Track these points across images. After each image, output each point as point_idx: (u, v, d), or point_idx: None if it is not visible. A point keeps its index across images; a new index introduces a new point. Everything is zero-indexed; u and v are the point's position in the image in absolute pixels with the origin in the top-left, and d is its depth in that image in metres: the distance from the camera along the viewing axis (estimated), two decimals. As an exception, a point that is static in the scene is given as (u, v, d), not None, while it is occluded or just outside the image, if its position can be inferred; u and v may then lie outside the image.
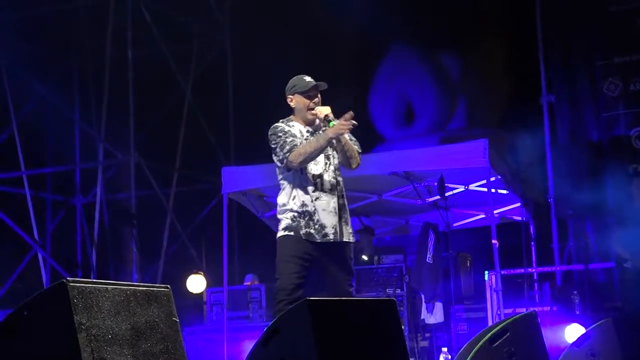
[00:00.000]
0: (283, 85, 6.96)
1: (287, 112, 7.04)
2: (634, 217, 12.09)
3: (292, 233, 6.63)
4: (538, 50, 15.03)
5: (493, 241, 10.45)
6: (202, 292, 14.07)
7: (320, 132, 6.75)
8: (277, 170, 6.85)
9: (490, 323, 10.23)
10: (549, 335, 9.39)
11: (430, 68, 19.85)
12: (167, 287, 4.39)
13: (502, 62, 19.25)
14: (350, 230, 6.80)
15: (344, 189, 6.85)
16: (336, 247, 6.66)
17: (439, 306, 11.40)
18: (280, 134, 6.70)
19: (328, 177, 6.72)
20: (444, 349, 10.90)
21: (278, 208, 6.83)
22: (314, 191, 6.65)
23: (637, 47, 14.06)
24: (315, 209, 6.60)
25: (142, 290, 4.21)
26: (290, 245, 6.62)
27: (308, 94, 6.78)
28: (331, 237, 6.61)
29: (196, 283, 14.08)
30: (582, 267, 12.10)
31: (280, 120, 6.87)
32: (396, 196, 12.98)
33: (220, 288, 12.68)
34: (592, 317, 9.91)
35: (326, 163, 6.76)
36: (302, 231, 6.61)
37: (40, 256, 16.64)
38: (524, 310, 10.15)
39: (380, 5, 17.32)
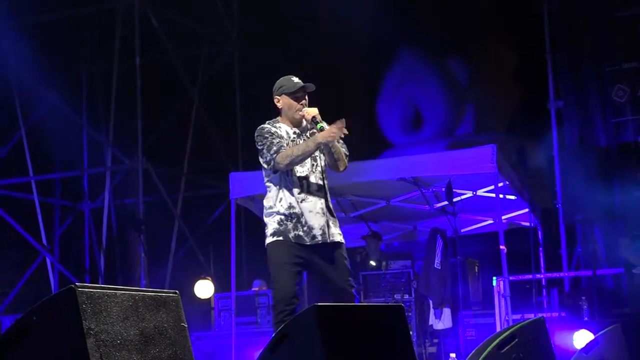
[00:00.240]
0: None
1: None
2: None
3: (281, 238, 6.54)
4: (546, 55, 15.01)
5: (501, 247, 10.44)
6: (210, 298, 14.06)
7: (308, 134, 6.68)
8: (264, 173, 6.75)
9: (498, 329, 10.21)
10: (557, 342, 9.40)
11: (438, 74, 19.87)
12: (176, 293, 4.39)
13: (510, 68, 19.27)
14: (339, 231, 6.70)
15: (328, 191, 6.76)
16: (327, 248, 6.59)
17: (447, 312, 11.38)
18: (266, 135, 6.61)
19: (314, 179, 6.64)
20: (452, 355, 10.91)
21: (265, 211, 6.74)
22: (300, 193, 6.57)
23: (645, 53, 14.06)
24: (302, 211, 6.53)
25: (150, 295, 4.21)
26: (281, 252, 6.53)
27: (295, 95, 6.67)
28: (319, 238, 6.53)
29: (204, 288, 14.07)
30: (590, 273, 12.08)
31: (267, 122, 6.77)
32: (404, 202, 12.99)
33: (228, 293, 12.68)
34: (601, 323, 9.88)
35: (313, 165, 6.68)
36: (291, 234, 6.53)
37: (48, 261, 16.67)
38: (532, 316, 10.12)
39: (389, 12, 17.34)
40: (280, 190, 6.63)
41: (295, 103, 6.67)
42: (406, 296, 11.77)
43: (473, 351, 5.65)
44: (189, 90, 16.84)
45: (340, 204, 13.06)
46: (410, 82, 20.07)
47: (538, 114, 15.49)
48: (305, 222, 6.52)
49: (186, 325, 4.34)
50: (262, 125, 6.73)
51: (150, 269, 15.49)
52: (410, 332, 5.86)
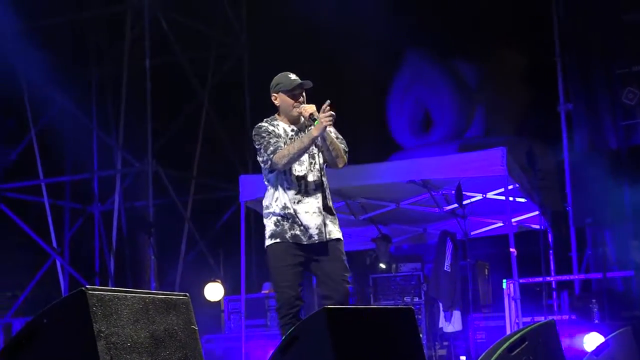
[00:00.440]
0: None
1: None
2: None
3: (278, 240, 6.47)
4: (556, 58, 15.00)
5: (511, 249, 10.42)
6: (219, 300, 14.07)
7: (306, 131, 6.54)
8: (263, 172, 6.69)
9: (508, 332, 10.20)
10: (567, 344, 9.38)
11: (448, 76, 19.86)
12: (186, 295, 4.39)
13: (520, 70, 19.26)
14: (337, 229, 6.58)
15: (328, 189, 6.65)
16: (323, 246, 6.48)
17: (457, 314, 11.37)
18: (263, 135, 6.54)
19: (312, 177, 6.54)
20: (462, 358, 10.91)
21: (263, 211, 6.67)
22: (296, 193, 6.47)
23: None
24: (297, 212, 6.44)
25: (161, 298, 4.21)
26: (279, 254, 6.46)
27: (292, 92, 6.55)
28: (316, 237, 6.44)
29: (214, 291, 14.08)
30: (600, 276, 12.05)
31: (265, 120, 6.70)
32: (414, 204, 12.98)
33: (238, 296, 12.68)
34: (611, 325, 9.87)
35: (311, 163, 6.57)
36: (288, 234, 6.45)
37: (58, 264, 16.70)
38: (542, 318, 10.12)
39: (398, 14, 17.34)
40: (276, 190, 6.56)
41: (292, 101, 6.56)
42: (416, 299, 11.76)
43: (483, 354, 5.64)
44: (198, 92, 16.87)
45: (349, 206, 13.07)
46: (420, 85, 20.07)
47: (548, 117, 15.48)
48: (301, 223, 6.43)
49: (196, 328, 4.34)
50: (259, 124, 6.67)
51: (160, 272, 15.51)
52: (420, 335, 5.85)
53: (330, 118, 6.26)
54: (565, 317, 11.91)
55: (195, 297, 13.32)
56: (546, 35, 15.31)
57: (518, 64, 19.43)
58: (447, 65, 19.91)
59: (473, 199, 12.43)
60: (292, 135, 6.57)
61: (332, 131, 6.55)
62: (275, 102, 6.66)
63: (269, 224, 6.55)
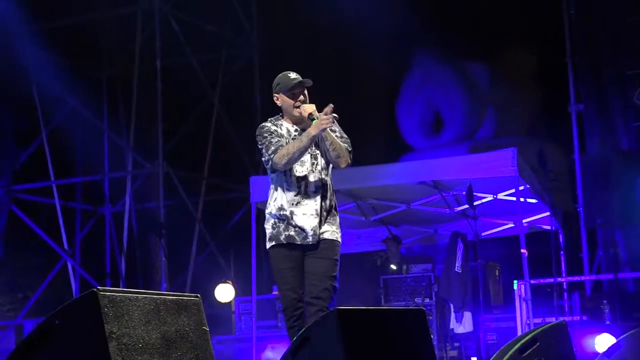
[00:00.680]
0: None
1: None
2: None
3: (274, 243, 6.43)
4: (567, 58, 14.97)
5: (522, 250, 10.41)
6: (230, 302, 14.07)
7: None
8: (268, 172, 6.63)
9: (519, 333, 10.20)
10: (579, 346, 9.37)
11: (458, 77, 19.83)
12: (197, 296, 4.40)
13: (531, 71, 19.23)
14: (334, 229, 6.47)
15: (330, 189, 6.54)
16: (315, 246, 6.39)
17: (467, 315, 11.36)
18: (265, 135, 6.45)
19: (314, 178, 6.43)
20: (473, 359, 10.89)
21: (265, 212, 6.65)
22: (296, 195, 6.39)
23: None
24: (293, 214, 6.37)
25: (172, 299, 4.22)
26: (277, 259, 6.43)
27: (292, 92, 6.44)
28: (310, 239, 6.35)
29: (224, 292, 14.08)
30: (611, 277, 12.03)
31: (269, 120, 6.61)
32: (425, 205, 12.97)
33: (249, 297, 12.68)
34: (623, 326, 9.86)
35: (313, 163, 6.47)
36: (282, 236, 6.39)
37: (69, 265, 16.73)
38: (553, 319, 10.10)
39: (409, 14, 17.32)
40: (276, 191, 6.51)
41: (292, 101, 6.46)
42: (427, 300, 11.76)
43: (494, 355, 5.64)
44: (209, 93, 16.88)
45: (360, 207, 13.06)
46: (430, 85, 20.06)
47: (559, 117, 15.45)
48: (296, 224, 6.36)
49: (207, 329, 4.34)
50: (262, 124, 6.60)
51: (170, 273, 15.53)
52: (431, 336, 5.85)
53: (329, 120, 6.18)
54: (577, 318, 11.91)
55: (206, 298, 13.37)
56: (557, 36, 15.29)
57: (529, 64, 19.40)
58: (458, 66, 19.89)
59: (484, 200, 12.41)
60: (294, 136, 6.48)
61: (335, 130, 6.46)
62: (277, 102, 6.59)
63: (268, 227, 6.51)
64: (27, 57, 16.11)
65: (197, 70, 16.44)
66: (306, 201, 6.41)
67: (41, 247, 16.53)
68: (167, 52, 15.85)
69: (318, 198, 6.43)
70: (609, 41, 14.53)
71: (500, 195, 12.39)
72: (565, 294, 13.03)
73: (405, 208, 12.99)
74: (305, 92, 6.51)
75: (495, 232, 14.60)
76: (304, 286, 6.41)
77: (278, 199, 6.47)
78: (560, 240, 13.44)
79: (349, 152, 6.48)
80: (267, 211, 6.56)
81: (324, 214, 6.44)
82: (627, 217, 12.81)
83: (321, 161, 6.51)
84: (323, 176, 6.49)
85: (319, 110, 6.31)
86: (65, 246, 16.68)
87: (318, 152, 6.50)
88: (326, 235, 6.42)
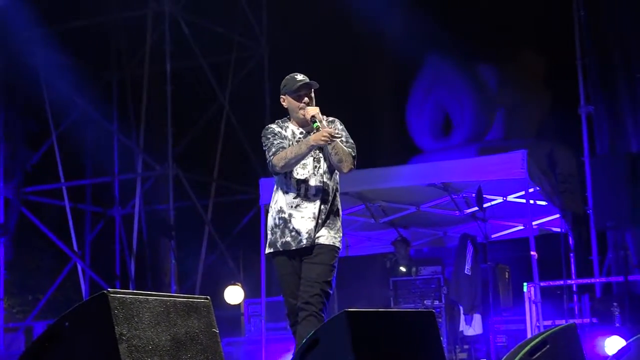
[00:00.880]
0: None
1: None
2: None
3: (272, 249, 6.43)
4: (576, 60, 14.93)
5: (532, 253, 10.40)
6: (240, 304, 14.08)
7: (312, 134, 6.35)
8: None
9: (529, 335, 10.17)
10: (588, 348, 9.34)
11: (468, 79, 19.81)
12: (207, 298, 4.40)
13: (541, 73, 19.20)
14: (332, 234, 6.38)
15: (332, 193, 6.47)
16: (309, 250, 6.33)
17: (477, 318, 11.35)
18: (269, 136, 6.45)
19: (315, 181, 6.37)
20: (483, 361, 10.87)
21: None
22: (295, 197, 6.35)
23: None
24: (291, 216, 6.34)
25: (181, 301, 4.22)
26: (277, 265, 6.45)
27: (297, 93, 6.40)
28: (304, 242, 6.30)
29: (234, 294, 14.10)
30: (622, 279, 12.00)
31: (275, 122, 6.59)
32: (434, 207, 12.96)
33: (258, 299, 12.69)
34: (633, 329, 9.83)
35: (315, 167, 6.41)
36: (279, 243, 6.37)
37: (79, 267, 16.75)
38: (563, 322, 10.09)
39: (419, 17, 17.31)
40: (277, 193, 6.50)
41: (297, 103, 6.42)
42: (436, 302, 11.75)
43: (504, 357, 5.63)
44: (218, 95, 16.89)
45: (370, 209, 13.06)
46: (440, 88, 20.04)
47: (568, 120, 15.42)
48: (293, 228, 6.32)
49: (217, 331, 4.34)
50: (267, 125, 6.58)
51: (180, 275, 15.54)
52: (441, 338, 5.84)
53: (327, 139, 6.12)
54: (587, 320, 11.87)
55: (216, 300, 13.39)
56: (567, 38, 15.25)
57: (538, 66, 19.38)
58: (468, 68, 19.87)
59: (493, 202, 12.40)
60: (299, 138, 6.45)
61: (341, 135, 6.38)
62: (283, 104, 6.56)
63: (268, 232, 6.50)
64: (38, 59, 16.15)
65: (206, 73, 16.46)
66: (306, 204, 6.36)
67: (51, 249, 16.58)
68: (177, 54, 15.87)
69: (318, 202, 6.37)
70: (618, 42, 14.50)
71: (510, 198, 12.38)
72: (575, 296, 12.99)
73: (414, 210, 12.98)
74: (312, 94, 6.47)
75: (505, 235, 14.58)
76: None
77: (278, 201, 6.46)
78: (570, 242, 13.40)
79: (353, 157, 6.41)
80: (269, 213, 6.54)
81: (323, 217, 6.38)
82: (637, 219, 12.78)
83: (324, 165, 6.45)
84: (325, 180, 6.43)
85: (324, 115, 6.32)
86: (75, 248, 16.70)
87: (321, 155, 6.44)
88: (321, 240, 6.35)
